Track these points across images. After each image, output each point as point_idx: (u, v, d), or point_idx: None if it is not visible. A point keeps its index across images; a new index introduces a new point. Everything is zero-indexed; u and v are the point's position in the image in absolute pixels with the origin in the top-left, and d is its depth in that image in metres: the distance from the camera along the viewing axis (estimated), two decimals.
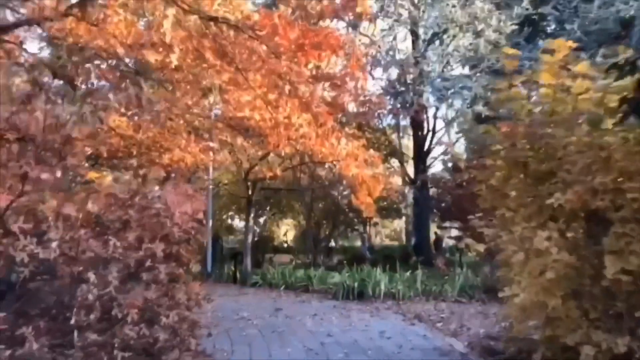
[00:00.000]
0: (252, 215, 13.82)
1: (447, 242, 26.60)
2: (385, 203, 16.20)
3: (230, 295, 10.75)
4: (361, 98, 12.86)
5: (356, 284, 9.72)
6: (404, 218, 30.03)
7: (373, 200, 12.28)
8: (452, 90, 15.73)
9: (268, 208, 21.13)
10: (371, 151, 12.95)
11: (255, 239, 21.46)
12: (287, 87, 6.14)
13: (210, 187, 15.15)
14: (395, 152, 19.47)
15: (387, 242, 39.79)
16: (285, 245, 25.26)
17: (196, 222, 5.58)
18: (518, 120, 4.93)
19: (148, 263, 4.32)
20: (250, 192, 13.66)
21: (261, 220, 22.42)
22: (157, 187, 5.19)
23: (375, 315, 7.93)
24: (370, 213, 12.36)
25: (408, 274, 10.48)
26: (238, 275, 13.34)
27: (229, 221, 23.05)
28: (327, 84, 9.49)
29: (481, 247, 5.47)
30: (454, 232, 27.38)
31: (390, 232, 41.00)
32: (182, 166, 11.23)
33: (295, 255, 19.35)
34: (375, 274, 10.33)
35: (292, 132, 9.93)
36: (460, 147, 22.44)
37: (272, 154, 13.23)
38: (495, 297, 10.10)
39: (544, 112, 4.71)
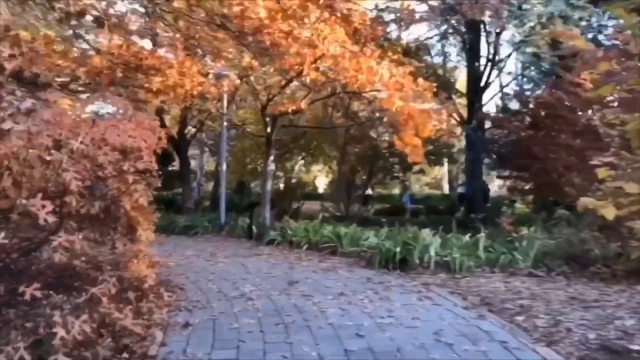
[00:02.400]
0: (271, 158, 11.84)
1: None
2: (433, 146, 13.96)
3: (239, 257, 8.94)
4: None
5: (398, 249, 7.70)
6: (445, 164, 27.59)
7: (421, 142, 10.16)
8: (524, 6, 13.01)
9: (296, 151, 19.17)
10: (420, 80, 10.71)
11: (291, 184, 19.69)
12: None
13: (225, 123, 13.18)
14: (445, 85, 16.92)
15: (426, 190, 37.36)
16: (317, 193, 23.46)
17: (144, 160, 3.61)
18: None
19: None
20: (269, 130, 11.62)
21: (289, 165, 20.57)
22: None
23: (425, 298, 5.92)
24: (418, 158, 10.25)
25: (467, 237, 8.36)
26: (255, 229, 11.52)
27: (252, 165, 21.28)
28: None
29: (610, 212, 3.21)
30: (498, 181, 24.86)
31: (430, 179, 38.35)
32: (180, 93, 9.24)
33: (322, 206, 17.52)
34: (423, 235, 8.28)
35: (316, 44, 7.78)
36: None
37: (295, 82, 11.10)
38: (582, 270, 8.01)
39: None
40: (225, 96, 13.25)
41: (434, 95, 11.90)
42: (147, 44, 9.27)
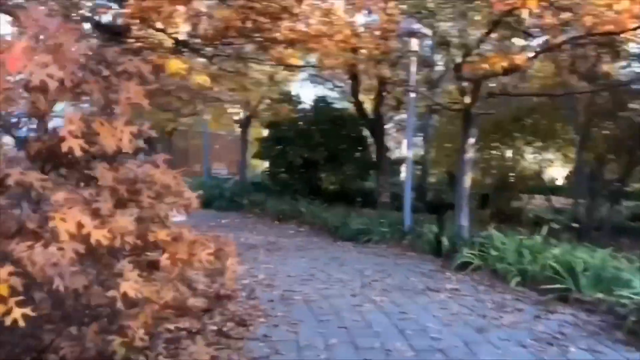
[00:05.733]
0: (470, 140, 8.61)
1: None
2: None
3: (405, 291, 6.12)
4: None
5: None
6: None
7: None
8: None
9: (517, 135, 15.27)
10: None
11: (510, 177, 16.00)
12: None
13: (413, 95, 10.36)
14: None
15: None
16: (546, 187, 19.01)
17: None
18: None
19: None
20: (467, 100, 8.42)
21: (509, 152, 16.72)
22: None
23: None
24: None
25: None
26: (446, 242, 8.51)
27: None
28: None
29: None
30: None
31: None
32: (326, 46, 6.75)
33: (550, 206, 13.48)
34: None
35: None
36: None
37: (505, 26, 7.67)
38: None
39: None
40: (414, 60, 10.42)
41: None
42: None
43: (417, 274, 7.14)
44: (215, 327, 4.39)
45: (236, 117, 19.68)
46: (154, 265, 3.07)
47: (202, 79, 6.90)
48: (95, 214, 2.46)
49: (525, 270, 6.47)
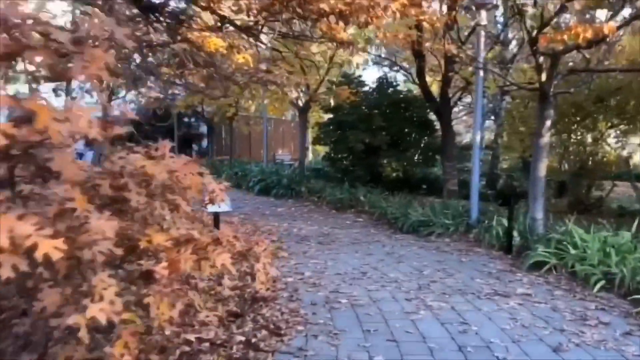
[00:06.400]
0: (547, 123, 7.66)
1: None
2: None
3: (468, 295, 5.40)
4: None
5: None
6: None
7: None
8: None
9: (600, 117, 13.90)
10: None
11: (590, 163, 14.68)
12: None
13: (481, 73, 9.45)
14: None
15: None
16: (633, 173, 17.39)
17: None
18: None
19: None
20: (544, 78, 7.47)
21: (590, 136, 15.31)
22: None
23: None
24: None
25: None
26: (517, 237, 7.65)
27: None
28: None
29: None
30: None
31: None
32: (383, 18, 6.02)
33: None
34: None
35: None
36: None
37: None
38: None
39: None
40: (482, 35, 9.55)
41: None
42: None
43: (483, 274, 6.38)
44: (243, 338, 3.89)
45: (298, 102, 19.17)
46: (149, 276, 2.57)
47: (242, 58, 6.40)
48: (56, 218, 1.97)
49: (612, 273, 5.59)
